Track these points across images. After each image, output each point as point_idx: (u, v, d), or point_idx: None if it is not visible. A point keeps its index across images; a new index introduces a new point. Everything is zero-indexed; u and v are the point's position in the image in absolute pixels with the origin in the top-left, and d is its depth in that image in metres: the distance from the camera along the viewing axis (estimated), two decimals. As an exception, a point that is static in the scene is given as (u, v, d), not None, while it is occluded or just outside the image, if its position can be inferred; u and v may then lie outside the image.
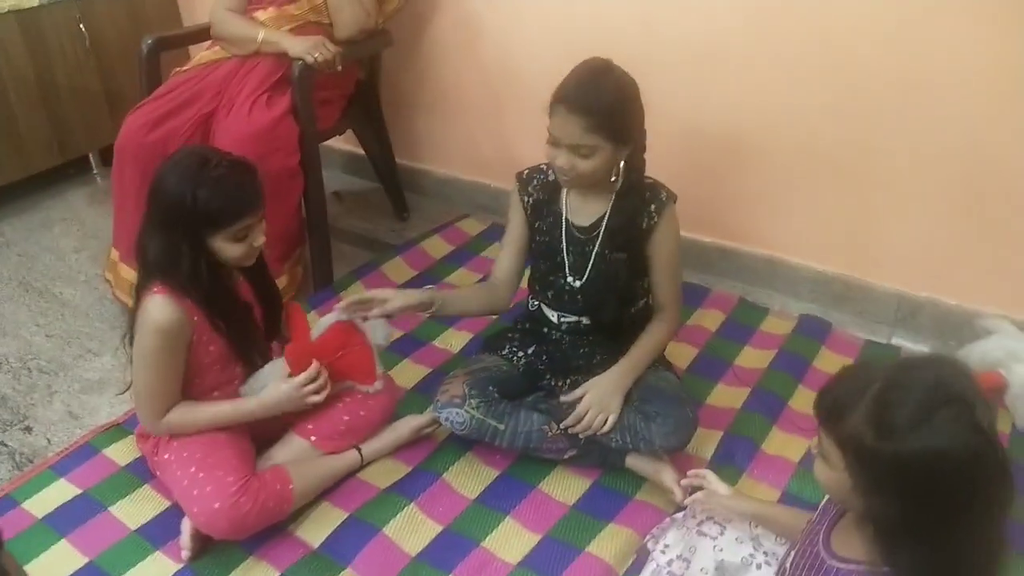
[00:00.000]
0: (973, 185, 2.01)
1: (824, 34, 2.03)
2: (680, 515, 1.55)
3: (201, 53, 2.34)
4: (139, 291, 1.57)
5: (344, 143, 3.02)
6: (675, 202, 1.76)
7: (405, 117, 2.85)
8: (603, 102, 1.60)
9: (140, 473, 1.80)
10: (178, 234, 1.51)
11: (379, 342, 1.80)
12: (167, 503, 1.73)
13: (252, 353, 1.69)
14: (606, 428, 1.68)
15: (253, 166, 1.58)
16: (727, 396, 1.98)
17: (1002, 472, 0.92)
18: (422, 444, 1.88)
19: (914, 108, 2.00)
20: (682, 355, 2.11)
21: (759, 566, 1.37)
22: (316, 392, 1.67)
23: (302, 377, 1.64)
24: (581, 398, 1.71)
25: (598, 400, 1.70)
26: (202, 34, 2.40)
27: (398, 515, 1.68)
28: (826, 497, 1.19)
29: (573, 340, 1.86)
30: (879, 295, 2.25)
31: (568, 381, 1.85)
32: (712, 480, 1.45)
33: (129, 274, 2.25)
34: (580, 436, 1.72)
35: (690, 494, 1.51)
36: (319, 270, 2.41)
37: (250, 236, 1.56)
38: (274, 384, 1.66)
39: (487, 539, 1.64)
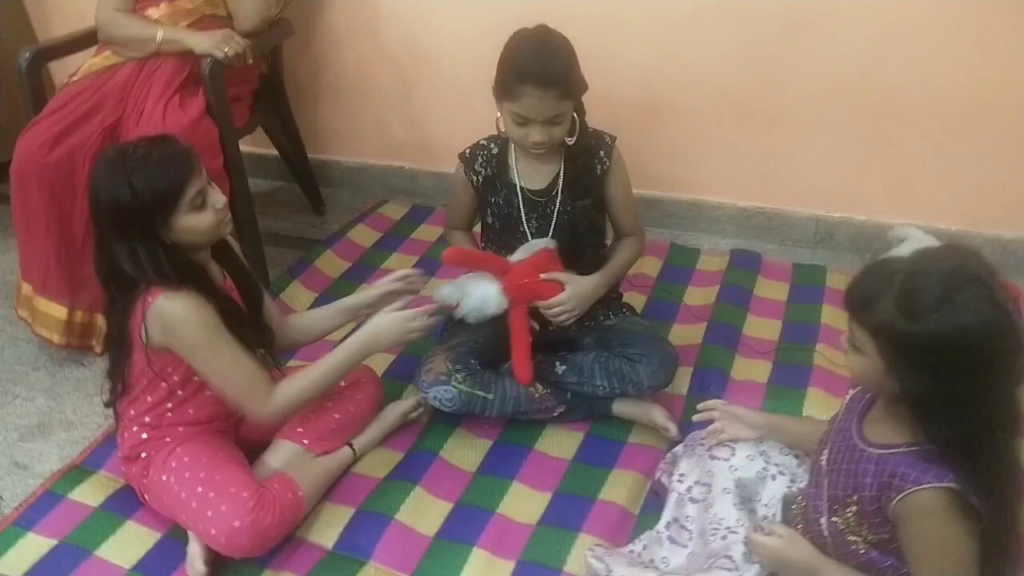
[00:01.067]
0: (868, 109, 2.19)
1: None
2: (680, 447, 1.63)
3: (90, 60, 2.18)
4: (124, 315, 1.48)
5: (243, 144, 2.90)
6: (615, 141, 1.82)
7: (308, 109, 2.77)
8: (561, 68, 1.63)
9: (118, 509, 1.70)
10: (137, 234, 1.43)
11: None
12: (158, 533, 1.64)
13: (253, 344, 1.60)
14: (567, 322, 1.74)
15: (173, 136, 1.51)
16: (686, 334, 2.08)
17: (1019, 344, 1.03)
18: (409, 429, 1.87)
19: (808, 45, 2.15)
20: (632, 303, 2.19)
21: (773, 477, 1.46)
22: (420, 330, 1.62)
23: (412, 312, 1.61)
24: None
25: (575, 297, 1.73)
26: (88, 39, 2.23)
27: (406, 500, 1.67)
28: (848, 397, 1.28)
29: None
30: (797, 221, 2.42)
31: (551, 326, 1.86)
32: (721, 405, 1.53)
33: (50, 308, 2.09)
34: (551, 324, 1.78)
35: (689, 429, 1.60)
36: (255, 273, 2.32)
37: (208, 200, 1.48)
38: (379, 317, 1.62)
39: (500, 506, 1.67)
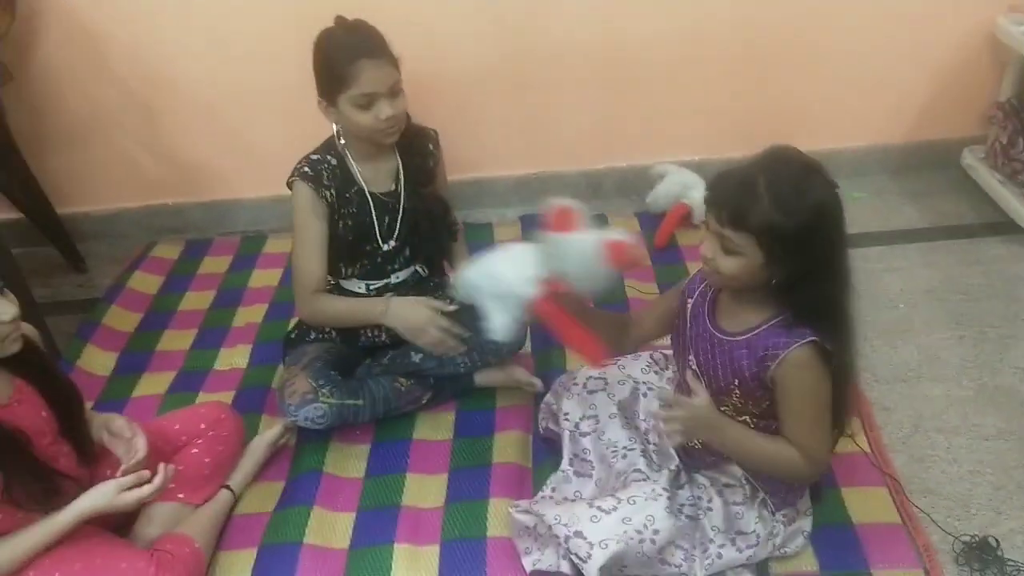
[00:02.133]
0: (611, 66, 2.45)
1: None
2: (549, 396, 1.75)
3: None
4: None
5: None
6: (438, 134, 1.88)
7: (40, 160, 2.46)
8: (382, 39, 1.67)
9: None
10: None
11: None
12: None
13: (26, 482, 1.35)
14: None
15: None
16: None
17: (844, 213, 1.27)
18: (279, 457, 1.80)
19: (549, 13, 2.34)
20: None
21: (644, 394, 1.64)
22: (140, 486, 1.39)
23: (127, 479, 1.38)
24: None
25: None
26: None
27: (308, 522, 1.62)
28: (688, 308, 1.46)
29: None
30: (568, 178, 2.64)
31: (385, 333, 1.87)
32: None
33: None
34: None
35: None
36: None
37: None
38: (99, 491, 1.38)
39: (403, 499, 1.68)
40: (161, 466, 1.42)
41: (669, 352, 1.66)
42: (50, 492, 1.36)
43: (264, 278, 2.43)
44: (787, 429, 1.36)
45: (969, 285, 2.14)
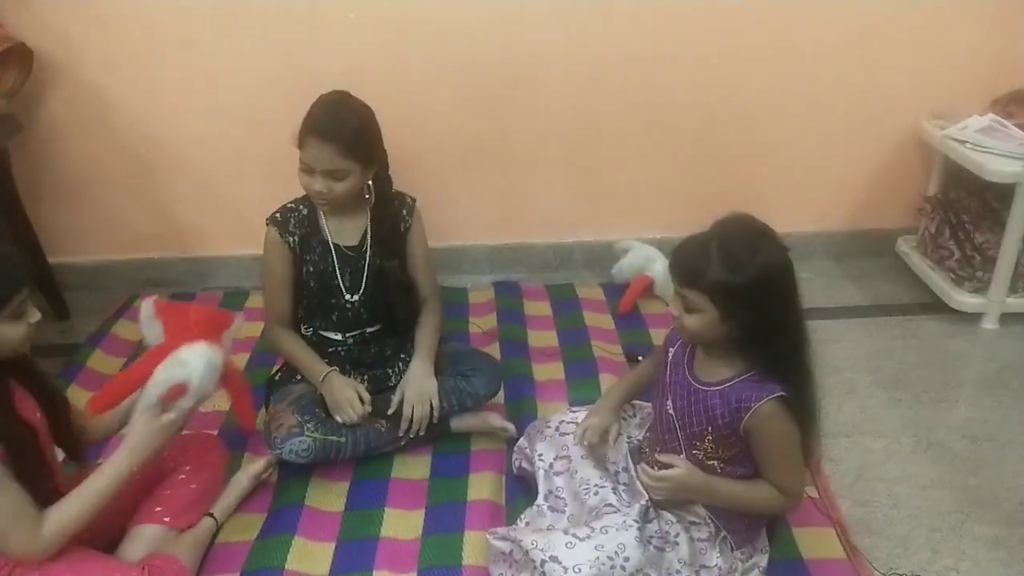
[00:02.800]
0: (583, 148, 2.67)
1: (452, 44, 2.48)
2: (523, 439, 1.86)
3: None
4: None
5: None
6: (416, 201, 2.05)
7: (34, 209, 2.56)
8: (348, 128, 1.79)
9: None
10: None
11: None
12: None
13: (35, 478, 1.45)
14: (435, 410, 1.88)
15: (9, 247, 1.45)
16: (486, 351, 2.32)
17: (795, 274, 1.44)
18: (261, 491, 1.86)
19: (524, 97, 2.58)
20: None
21: (614, 439, 1.76)
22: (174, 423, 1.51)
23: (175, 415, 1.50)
24: (401, 403, 1.89)
25: (416, 394, 1.89)
26: None
27: (289, 551, 1.68)
28: (669, 357, 1.61)
29: (361, 347, 2.02)
30: (539, 250, 2.83)
31: (366, 377, 1.99)
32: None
33: None
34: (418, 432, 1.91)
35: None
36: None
37: (27, 313, 1.42)
38: (136, 419, 1.49)
39: (381, 531, 1.75)
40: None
41: (635, 401, 1.81)
42: (49, 488, 1.44)
43: (246, 329, 2.49)
44: (766, 472, 1.50)
45: (905, 356, 2.34)
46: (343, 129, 1.79)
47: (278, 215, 1.93)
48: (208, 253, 2.77)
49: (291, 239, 1.91)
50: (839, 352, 2.36)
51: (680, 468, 1.50)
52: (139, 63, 2.47)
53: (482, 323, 2.50)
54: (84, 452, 1.60)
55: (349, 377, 1.97)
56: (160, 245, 2.73)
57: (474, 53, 2.51)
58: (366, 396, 1.87)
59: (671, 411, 1.57)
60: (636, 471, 1.62)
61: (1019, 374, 2.25)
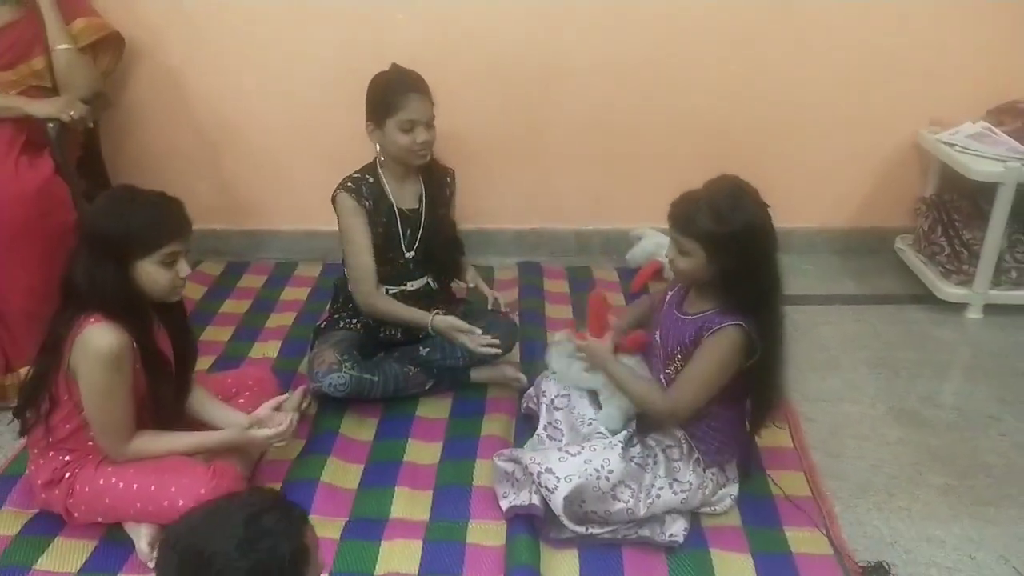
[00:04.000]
0: (604, 142, 2.93)
1: (489, 45, 2.78)
2: (532, 388, 2.11)
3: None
4: (65, 327, 1.62)
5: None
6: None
7: (115, 179, 2.90)
8: (424, 81, 2.11)
9: (41, 532, 1.78)
10: (108, 262, 1.60)
11: None
12: (94, 541, 1.76)
13: (164, 400, 1.76)
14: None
15: (180, 200, 1.71)
16: (506, 321, 2.60)
17: (775, 231, 1.68)
18: (302, 422, 2.08)
19: (556, 96, 2.85)
20: (454, 309, 2.67)
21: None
22: (281, 441, 1.84)
23: (273, 432, 1.79)
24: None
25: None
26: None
27: (324, 467, 1.96)
28: (667, 298, 1.86)
29: (400, 301, 2.24)
30: (561, 235, 3.09)
31: (400, 331, 2.26)
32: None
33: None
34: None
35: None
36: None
37: (177, 264, 1.66)
38: (254, 432, 1.79)
39: (404, 457, 2.02)
40: (289, 415, 1.83)
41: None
42: (180, 408, 1.75)
43: (295, 293, 2.82)
44: (679, 373, 1.73)
45: (890, 339, 2.54)
46: (423, 81, 2.10)
47: (350, 184, 2.15)
48: (265, 227, 3.08)
49: (367, 203, 2.14)
50: (829, 333, 2.57)
51: (593, 344, 1.87)
52: (214, 53, 2.80)
53: (505, 297, 2.75)
54: (181, 408, 1.84)
55: (385, 330, 2.26)
56: (222, 218, 3.05)
57: (509, 54, 2.79)
58: (467, 325, 2.11)
59: (657, 338, 1.83)
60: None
61: (994, 357, 2.44)
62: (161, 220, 1.64)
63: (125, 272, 1.62)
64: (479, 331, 2.10)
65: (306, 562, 1.06)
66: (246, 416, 1.83)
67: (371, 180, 2.18)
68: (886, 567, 1.68)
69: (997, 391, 2.28)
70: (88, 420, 1.67)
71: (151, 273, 1.64)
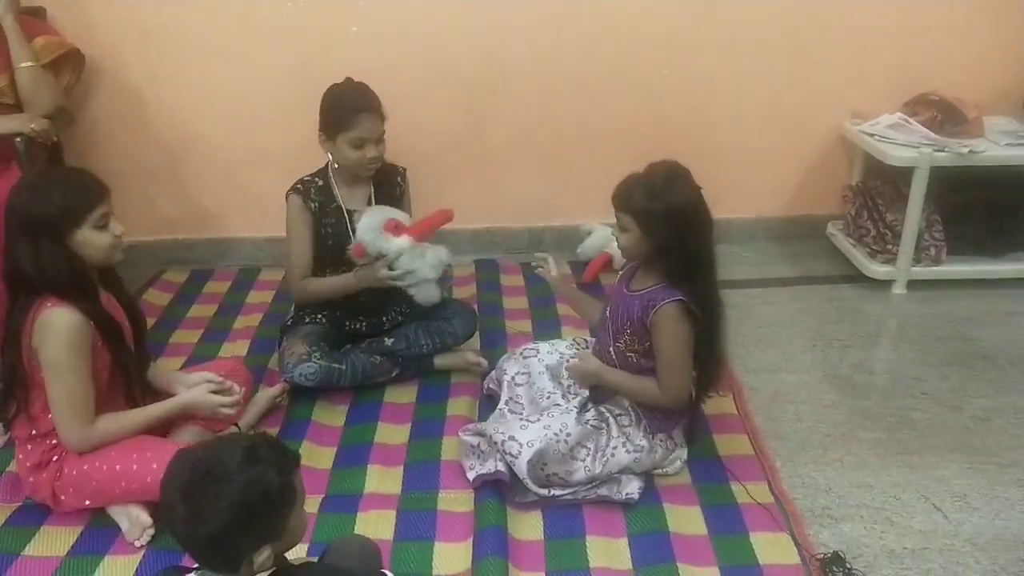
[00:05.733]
0: (551, 141, 3.09)
1: (439, 55, 2.93)
2: (493, 372, 2.25)
3: None
4: (22, 316, 1.69)
5: None
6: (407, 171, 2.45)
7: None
8: (378, 99, 2.23)
9: (26, 521, 1.85)
10: (47, 241, 1.67)
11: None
12: (80, 527, 1.83)
13: (131, 368, 1.86)
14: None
15: (85, 169, 1.79)
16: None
17: (708, 211, 1.83)
18: (275, 412, 2.23)
19: (503, 100, 3.00)
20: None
21: (567, 360, 2.14)
22: (230, 407, 1.93)
23: (226, 399, 1.91)
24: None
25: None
26: None
27: (299, 450, 2.05)
28: (617, 277, 2.01)
29: (362, 297, 2.36)
30: (514, 233, 3.24)
31: (364, 324, 2.39)
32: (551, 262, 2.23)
33: None
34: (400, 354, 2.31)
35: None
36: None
37: (110, 225, 1.74)
38: (197, 390, 1.91)
39: (375, 438, 2.13)
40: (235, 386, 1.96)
41: (589, 339, 2.20)
42: (143, 377, 1.83)
43: (260, 296, 2.92)
44: (657, 369, 1.88)
45: (824, 314, 2.74)
46: (375, 99, 2.21)
47: (299, 186, 2.29)
48: (227, 235, 3.17)
49: (312, 205, 2.27)
50: (768, 312, 2.75)
51: (580, 361, 1.97)
52: (172, 68, 2.90)
53: (462, 292, 2.89)
54: (145, 377, 1.94)
55: (350, 323, 2.37)
56: (185, 227, 3.14)
57: (458, 63, 2.94)
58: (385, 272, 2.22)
59: (607, 314, 1.98)
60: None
61: (916, 327, 2.65)
62: (82, 187, 1.72)
63: (65, 247, 1.69)
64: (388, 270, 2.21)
65: (292, 501, 1.19)
66: (200, 374, 1.95)
67: (320, 183, 2.30)
68: (841, 556, 1.72)
69: (920, 356, 2.48)
70: (51, 408, 1.73)
71: (90, 239, 1.71)
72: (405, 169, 2.44)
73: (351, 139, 2.19)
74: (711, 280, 1.87)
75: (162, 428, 1.96)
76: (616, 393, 1.95)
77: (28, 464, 1.82)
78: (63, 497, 1.82)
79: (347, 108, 2.18)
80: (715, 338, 1.90)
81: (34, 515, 1.86)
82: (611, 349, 1.95)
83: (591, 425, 1.90)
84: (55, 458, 1.81)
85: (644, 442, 1.91)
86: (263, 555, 1.17)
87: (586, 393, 2.00)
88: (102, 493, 1.80)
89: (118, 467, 1.76)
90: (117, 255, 1.81)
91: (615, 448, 1.89)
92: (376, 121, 2.20)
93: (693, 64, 3.01)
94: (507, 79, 2.98)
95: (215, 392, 1.92)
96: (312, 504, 1.88)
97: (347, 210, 2.31)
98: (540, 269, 2.25)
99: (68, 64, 2.67)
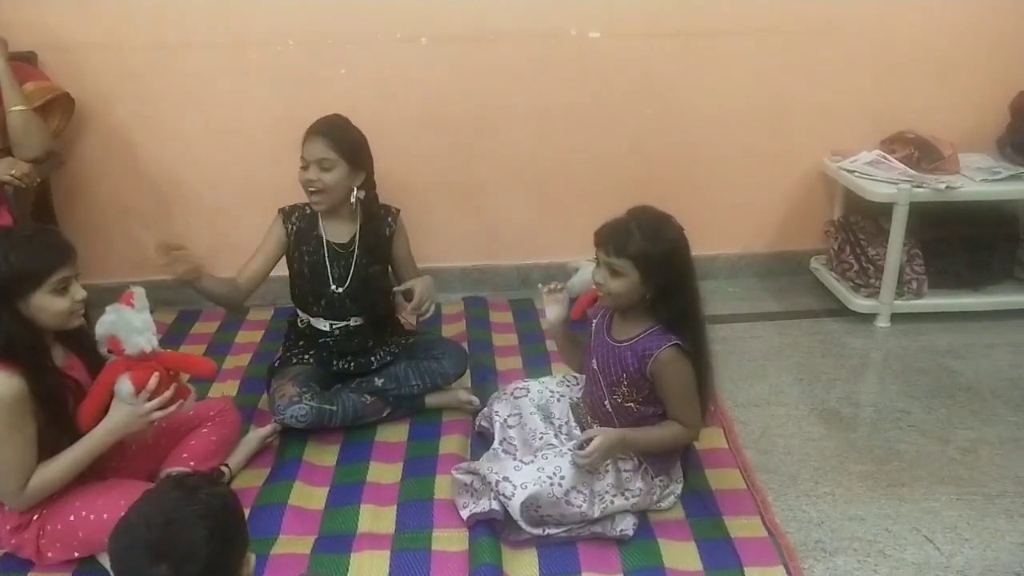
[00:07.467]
0: (539, 183, 3.14)
1: (428, 97, 2.97)
2: (485, 408, 2.25)
3: None
4: None
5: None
6: (400, 212, 2.47)
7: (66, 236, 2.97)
8: (336, 127, 2.23)
9: (11, 568, 1.82)
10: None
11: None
12: (68, 574, 1.80)
13: (61, 437, 1.72)
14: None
15: (56, 228, 1.75)
16: (455, 352, 2.73)
17: (690, 249, 1.87)
18: (266, 453, 2.23)
19: (493, 140, 3.05)
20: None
21: (558, 399, 2.15)
22: (161, 408, 1.76)
23: (144, 397, 1.72)
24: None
25: (426, 287, 2.30)
26: None
27: (291, 491, 2.05)
28: (592, 326, 2.03)
29: (346, 337, 2.39)
30: (503, 271, 3.27)
31: (352, 364, 2.39)
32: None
33: None
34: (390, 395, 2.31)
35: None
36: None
37: (70, 289, 1.68)
38: (116, 406, 1.73)
39: (367, 477, 2.13)
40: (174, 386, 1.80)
41: (579, 375, 2.21)
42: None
43: (249, 336, 2.91)
44: (670, 410, 1.90)
45: (809, 348, 2.77)
46: (332, 127, 2.23)
47: (287, 208, 2.34)
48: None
49: (291, 227, 2.31)
50: (756, 346, 2.78)
51: (598, 438, 1.81)
52: (161, 111, 2.92)
53: (452, 329, 2.90)
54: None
55: (337, 362, 2.37)
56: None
57: (447, 104, 2.99)
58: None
59: (595, 367, 1.98)
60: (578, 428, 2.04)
61: (901, 360, 2.69)
62: (42, 250, 1.65)
63: (18, 311, 1.63)
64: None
65: (241, 510, 1.25)
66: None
67: (308, 212, 2.34)
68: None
69: (905, 388, 2.52)
70: None
71: (46, 304, 1.65)
72: (399, 210, 2.46)
73: (301, 159, 2.22)
74: (701, 318, 1.90)
75: (148, 478, 1.95)
76: (646, 451, 1.93)
77: (7, 527, 1.77)
78: (50, 553, 1.78)
79: (308, 131, 2.23)
80: (706, 375, 1.92)
81: (20, 563, 1.82)
82: (606, 403, 1.96)
83: (586, 468, 1.89)
84: (35, 517, 1.76)
85: (642, 484, 1.92)
86: (251, 564, 1.20)
87: (579, 432, 2.01)
88: (91, 542, 1.77)
89: (106, 516, 1.73)
90: (74, 320, 1.74)
91: (614, 497, 1.89)
92: (315, 144, 2.19)
93: (676, 105, 3.07)
94: (495, 120, 3.03)
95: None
96: (305, 545, 1.87)
97: (328, 241, 2.33)
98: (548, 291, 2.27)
99: (58, 108, 2.69)
